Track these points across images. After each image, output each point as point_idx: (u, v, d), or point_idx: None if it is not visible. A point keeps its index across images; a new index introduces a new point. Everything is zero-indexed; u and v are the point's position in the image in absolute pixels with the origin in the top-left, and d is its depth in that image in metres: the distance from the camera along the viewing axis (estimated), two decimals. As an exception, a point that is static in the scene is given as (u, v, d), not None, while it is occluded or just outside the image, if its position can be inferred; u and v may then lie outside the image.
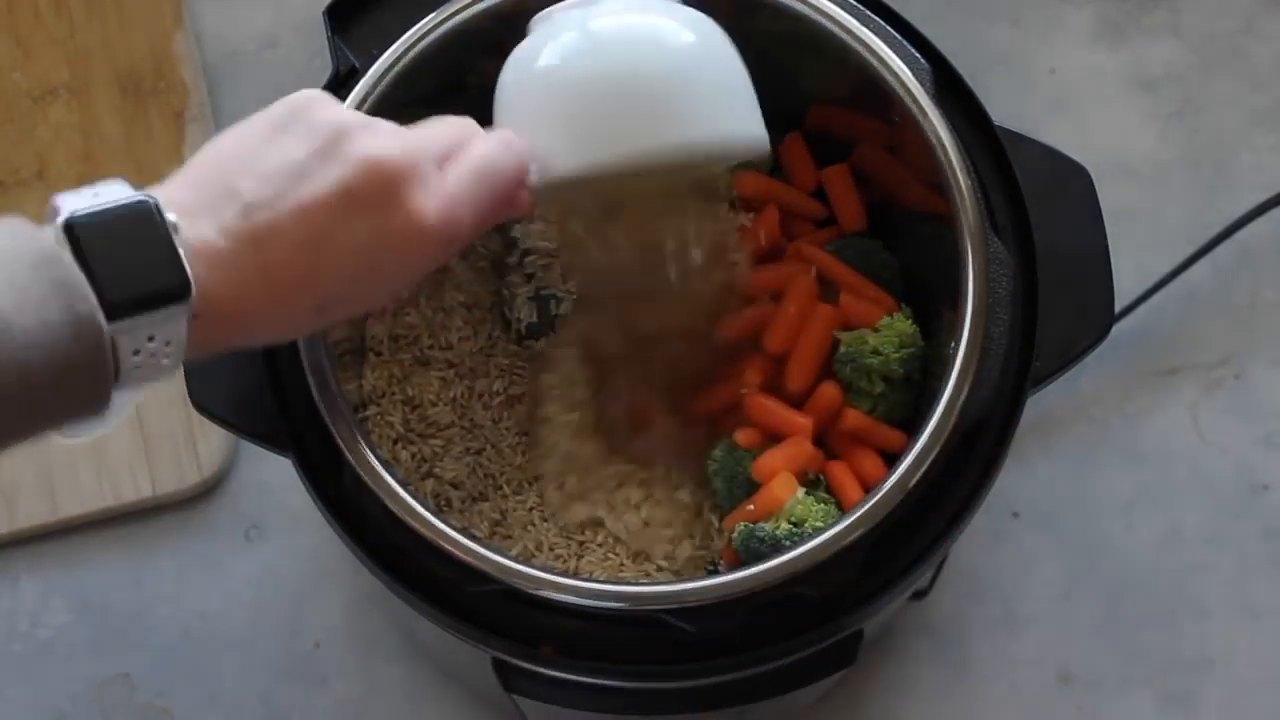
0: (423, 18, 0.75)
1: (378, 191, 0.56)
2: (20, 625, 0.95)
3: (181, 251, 0.53)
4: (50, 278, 0.50)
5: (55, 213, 0.52)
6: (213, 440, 0.96)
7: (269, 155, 0.56)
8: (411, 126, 0.61)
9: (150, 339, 0.53)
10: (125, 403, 0.56)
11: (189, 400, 0.72)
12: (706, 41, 0.69)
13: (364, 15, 0.76)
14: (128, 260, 0.52)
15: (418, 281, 0.60)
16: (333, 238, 0.56)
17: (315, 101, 0.58)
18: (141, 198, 0.53)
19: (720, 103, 0.68)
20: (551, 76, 0.67)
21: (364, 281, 0.58)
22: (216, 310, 0.54)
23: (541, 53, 0.67)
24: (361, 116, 0.59)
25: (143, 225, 0.53)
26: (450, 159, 0.60)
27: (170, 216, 0.53)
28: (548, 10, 0.69)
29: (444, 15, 0.75)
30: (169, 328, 0.53)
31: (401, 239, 0.57)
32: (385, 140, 0.57)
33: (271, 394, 0.72)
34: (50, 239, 0.52)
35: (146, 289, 0.52)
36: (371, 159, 0.56)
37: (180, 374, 0.72)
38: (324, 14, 0.76)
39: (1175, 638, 0.94)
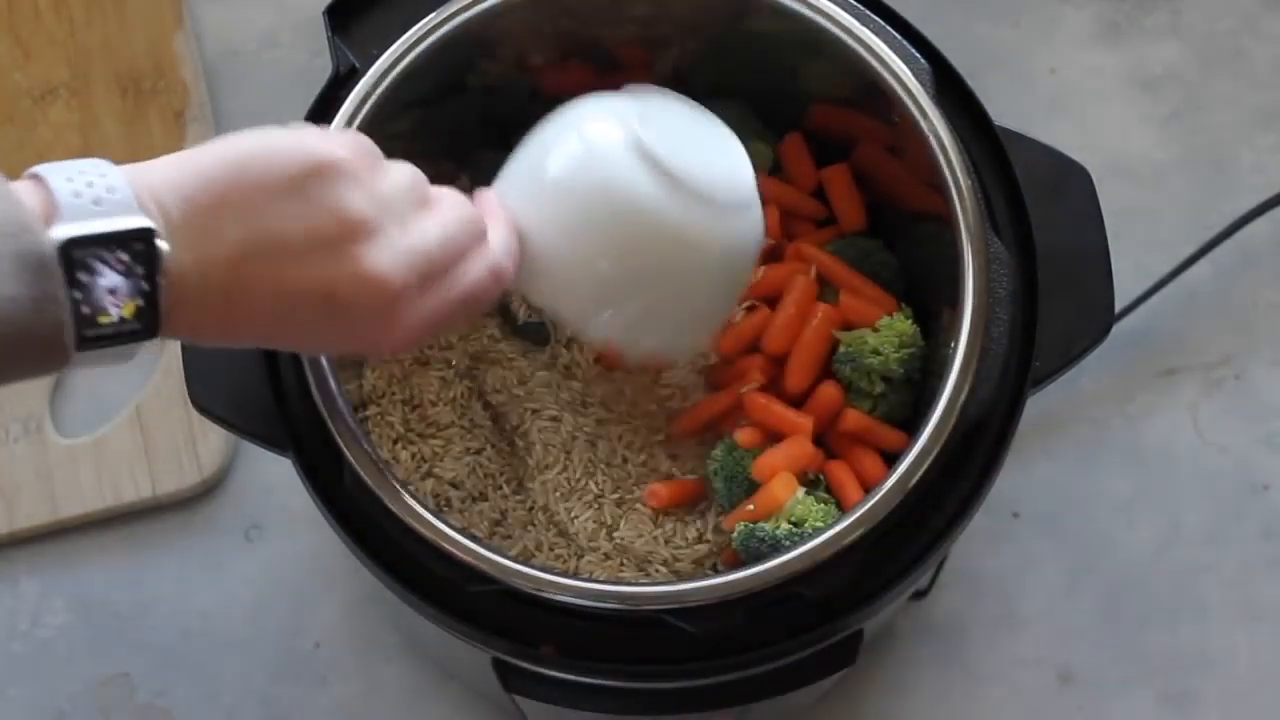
0: (423, 18, 0.75)
1: (358, 307, 0.56)
2: (20, 625, 0.95)
3: (162, 294, 0.52)
4: (15, 250, 0.49)
5: (51, 209, 0.51)
6: (213, 440, 0.96)
7: (271, 213, 0.54)
8: (424, 216, 0.60)
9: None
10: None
11: (189, 400, 0.72)
12: (727, 253, 0.69)
13: (364, 15, 0.76)
14: (107, 298, 0.51)
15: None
16: (296, 319, 0.56)
17: (340, 176, 0.56)
18: (144, 225, 0.51)
19: (696, 326, 0.72)
20: (574, 222, 0.66)
21: (313, 348, 0.61)
22: (175, 325, 0.54)
23: (579, 177, 0.66)
24: (375, 210, 0.57)
25: (136, 263, 0.51)
26: (442, 280, 0.59)
27: (163, 246, 0.52)
28: (607, 104, 0.69)
29: (444, 15, 0.75)
30: (123, 353, 0.53)
31: (361, 345, 0.60)
32: (386, 260, 0.56)
33: (271, 394, 0.72)
34: (45, 244, 0.50)
35: (118, 330, 0.51)
36: (369, 278, 0.56)
37: (180, 374, 0.72)
38: (324, 14, 0.76)
39: (1175, 638, 0.94)
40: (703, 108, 0.72)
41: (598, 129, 0.67)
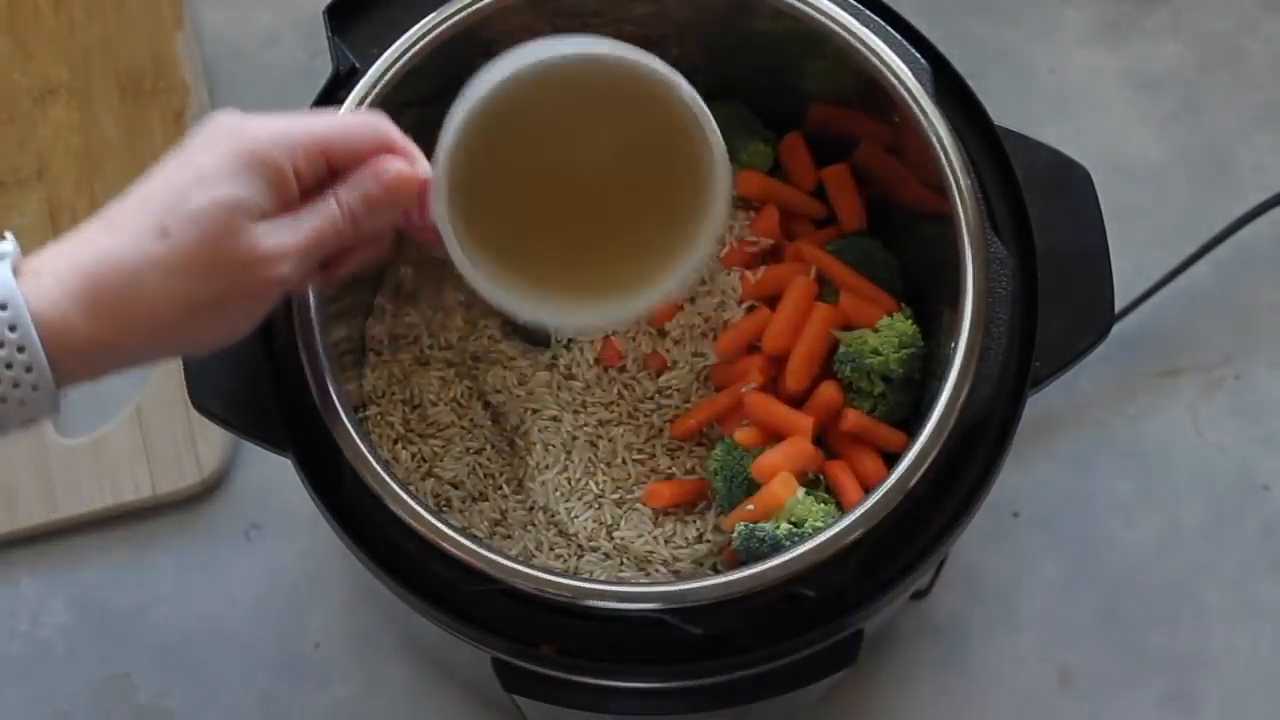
0: (423, 18, 0.75)
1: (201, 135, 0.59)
2: (20, 625, 0.95)
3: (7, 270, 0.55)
4: None
5: None
6: (213, 440, 0.96)
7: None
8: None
9: (7, 367, 0.55)
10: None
11: (189, 400, 0.72)
12: None
13: (364, 15, 0.76)
14: None
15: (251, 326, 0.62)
16: (158, 172, 0.58)
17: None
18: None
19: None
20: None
21: (191, 187, 0.58)
22: (49, 330, 0.56)
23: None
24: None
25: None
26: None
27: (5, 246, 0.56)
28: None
29: (444, 15, 0.75)
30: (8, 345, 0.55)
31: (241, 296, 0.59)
32: (287, 270, 0.59)
33: (271, 394, 0.72)
34: None
35: None
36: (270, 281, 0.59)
37: (180, 374, 0.72)
38: (324, 14, 0.76)
39: (1175, 638, 0.94)
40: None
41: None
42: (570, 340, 0.82)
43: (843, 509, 0.74)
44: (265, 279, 0.59)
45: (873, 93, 0.74)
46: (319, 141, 0.60)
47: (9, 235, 0.58)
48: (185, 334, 0.59)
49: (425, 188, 0.62)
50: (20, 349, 0.55)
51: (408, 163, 0.62)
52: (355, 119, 0.62)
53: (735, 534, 0.73)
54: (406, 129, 0.77)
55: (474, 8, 0.75)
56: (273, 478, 0.97)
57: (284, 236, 0.59)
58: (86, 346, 0.57)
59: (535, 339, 0.82)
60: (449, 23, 0.75)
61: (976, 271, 0.71)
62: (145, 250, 0.57)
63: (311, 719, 0.93)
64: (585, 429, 0.80)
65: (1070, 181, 0.77)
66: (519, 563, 0.68)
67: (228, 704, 0.93)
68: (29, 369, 0.55)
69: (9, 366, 0.55)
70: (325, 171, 0.61)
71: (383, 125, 0.62)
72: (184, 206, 0.57)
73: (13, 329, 0.55)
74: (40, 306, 0.55)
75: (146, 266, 0.57)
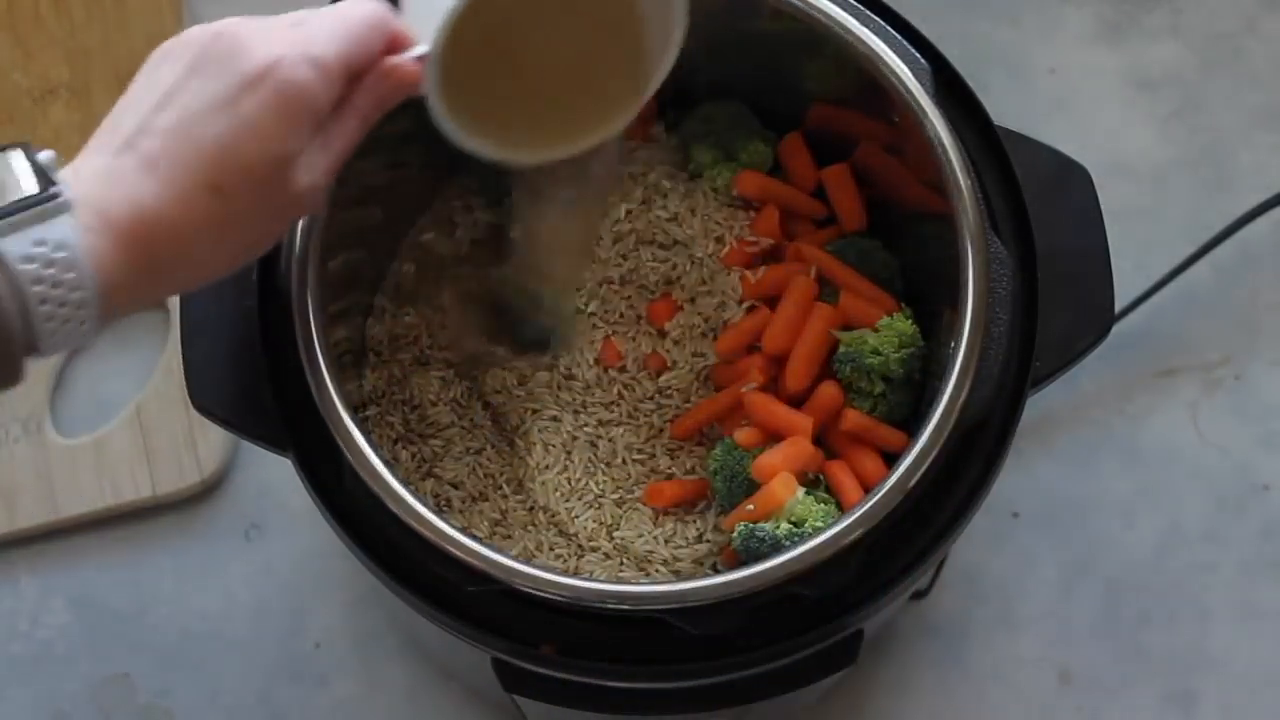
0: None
1: (215, 48, 0.58)
2: (20, 625, 0.95)
3: (53, 171, 0.54)
4: None
5: None
6: (213, 440, 0.96)
7: (145, 90, 0.58)
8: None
9: (50, 265, 0.53)
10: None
11: (189, 400, 0.72)
12: None
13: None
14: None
15: (304, 131, 0.59)
16: (200, 120, 0.57)
17: (193, 36, 0.59)
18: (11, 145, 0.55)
19: None
20: None
21: (243, 142, 0.57)
22: (119, 221, 0.55)
23: None
24: (235, 31, 0.58)
25: (12, 163, 0.55)
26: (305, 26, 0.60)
27: (42, 155, 0.55)
28: None
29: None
30: (64, 258, 0.53)
31: (265, 99, 0.57)
32: (254, 38, 0.58)
33: (271, 394, 0.72)
34: None
35: (17, 205, 0.53)
36: (210, 30, 0.58)
37: (180, 374, 0.72)
38: (324, 14, 0.76)
39: (1175, 638, 0.94)
40: None
41: None
42: (571, 341, 0.82)
43: (843, 509, 0.74)
44: (302, 208, 0.60)
45: (873, 93, 0.74)
46: (349, 64, 0.60)
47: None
48: (225, 270, 0.60)
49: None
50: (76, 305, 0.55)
51: (409, 52, 0.62)
52: (365, 23, 0.61)
53: (735, 534, 0.73)
54: (407, 129, 0.78)
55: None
56: (273, 478, 0.97)
57: (318, 163, 0.59)
58: (124, 299, 0.56)
59: (536, 346, 0.82)
60: (449, 23, 0.75)
61: (976, 271, 0.71)
62: (198, 210, 0.56)
63: (311, 719, 0.93)
64: (585, 429, 0.80)
65: (1070, 181, 0.76)
66: (519, 563, 0.68)
67: (228, 704, 0.93)
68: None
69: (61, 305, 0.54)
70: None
71: (387, 20, 0.62)
72: (237, 162, 0.57)
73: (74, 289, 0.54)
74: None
75: (202, 228, 0.57)
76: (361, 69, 0.60)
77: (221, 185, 0.57)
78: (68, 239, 0.53)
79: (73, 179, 0.55)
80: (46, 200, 0.53)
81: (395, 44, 0.61)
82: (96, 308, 0.54)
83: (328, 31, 0.59)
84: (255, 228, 0.59)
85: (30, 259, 0.53)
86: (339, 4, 0.61)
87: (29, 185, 0.54)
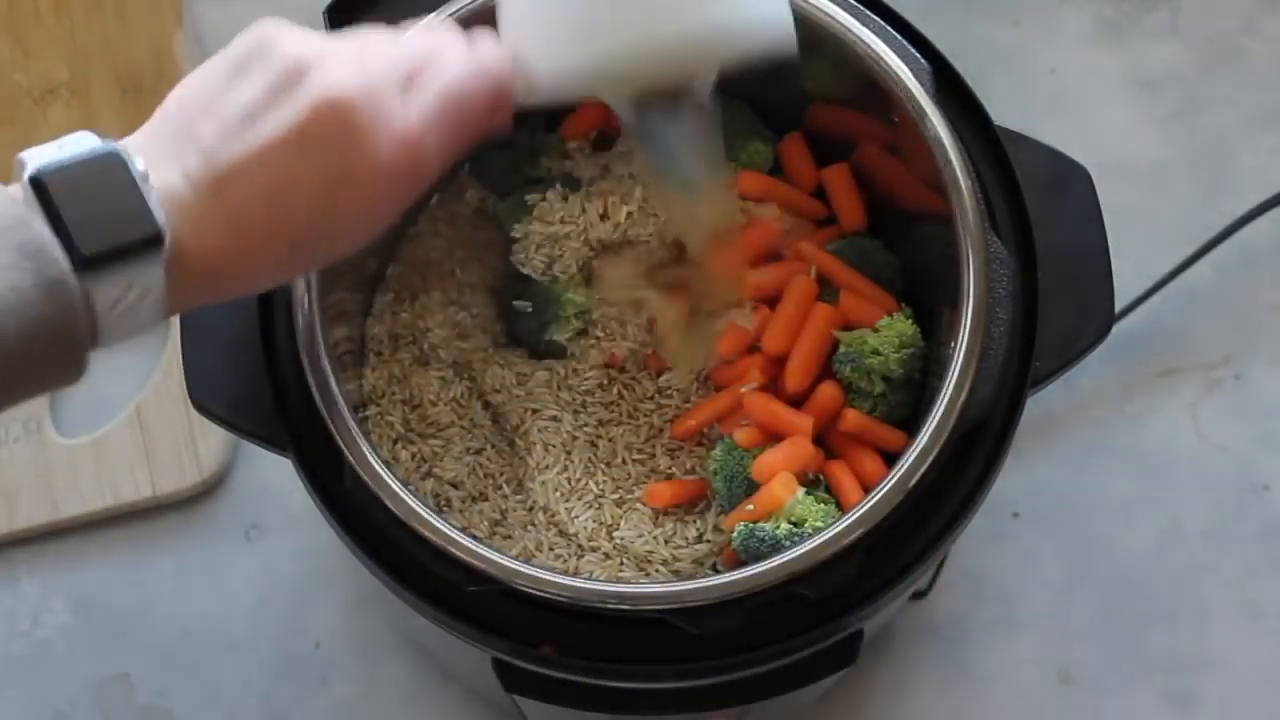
0: (422, 18, 0.75)
1: (333, 129, 0.55)
2: (20, 625, 0.95)
3: (151, 200, 0.52)
4: (17, 242, 0.50)
5: (21, 167, 0.52)
6: (213, 440, 0.96)
7: (228, 98, 0.56)
8: (384, 37, 0.59)
9: (128, 289, 0.53)
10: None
11: (189, 400, 0.72)
12: None
13: (364, 15, 0.76)
14: (98, 211, 0.52)
15: (392, 218, 0.59)
16: (292, 177, 0.55)
17: (272, 35, 0.57)
18: (110, 147, 0.53)
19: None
20: None
21: (328, 219, 0.57)
22: (186, 258, 0.54)
23: None
24: (321, 43, 0.57)
25: (112, 174, 0.52)
26: (416, 81, 0.58)
27: (139, 165, 0.53)
28: None
29: (444, 15, 0.75)
30: (145, 277, 0.53)
31: (361, 176, 0.56)
32: (342, 73, 0.56)
33: (271, 394, 0.72)
34: (18, 197, 0.51)
35: (119, 240, 0.52)
36: (326, 97, 0.55)
37: (180, 374, 0.72)
38: (324, 14, 0.76)
39: (1175, 638, 0.94)
40: None
41: None
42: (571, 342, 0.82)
43: (843, 509, 0.74)
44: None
45: (873, 93, 0.74)
46: (462, 146, 0.60)
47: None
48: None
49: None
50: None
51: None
52: (488, 92, 0.60)
53: (735, 534, 0.73)
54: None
55: (474, 7, 0.75)
56: (273, 478, 0.97)
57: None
58: (179, 310, 0.57)
59: (531, 341, 0.82)
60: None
61: (976, 271, 0.71)
62: (273, 260, 0.57)
63: (311, 719, 0.93)
64: (585, 429, 0.80)
65: (1070, 181, 0.76)
66: (519, 563, 0.68)
67: (228, 704, 0.93)
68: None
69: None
70: None
71: (506, 80, 0.61)
72: (322, 241, 0.58)
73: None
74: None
75: (273, 270, 0.58)
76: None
77: (301, 247, 0.57)
78: (153, 284, 0.53)
79: (157, 204, 0.53)
80: (152, 247, 0.52)
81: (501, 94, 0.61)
82: (160, 317, 0.55)
83: (451, 109, 0.58)
84: (321, 263, 0.61)
85: (114, 302, 0.53)
86: (454, 57, 0.60)
87: (128, 205, 0.52)
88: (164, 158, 0.54)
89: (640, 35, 0.62)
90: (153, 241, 0.52)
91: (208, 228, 0.54)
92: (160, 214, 0.52)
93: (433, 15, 0.65)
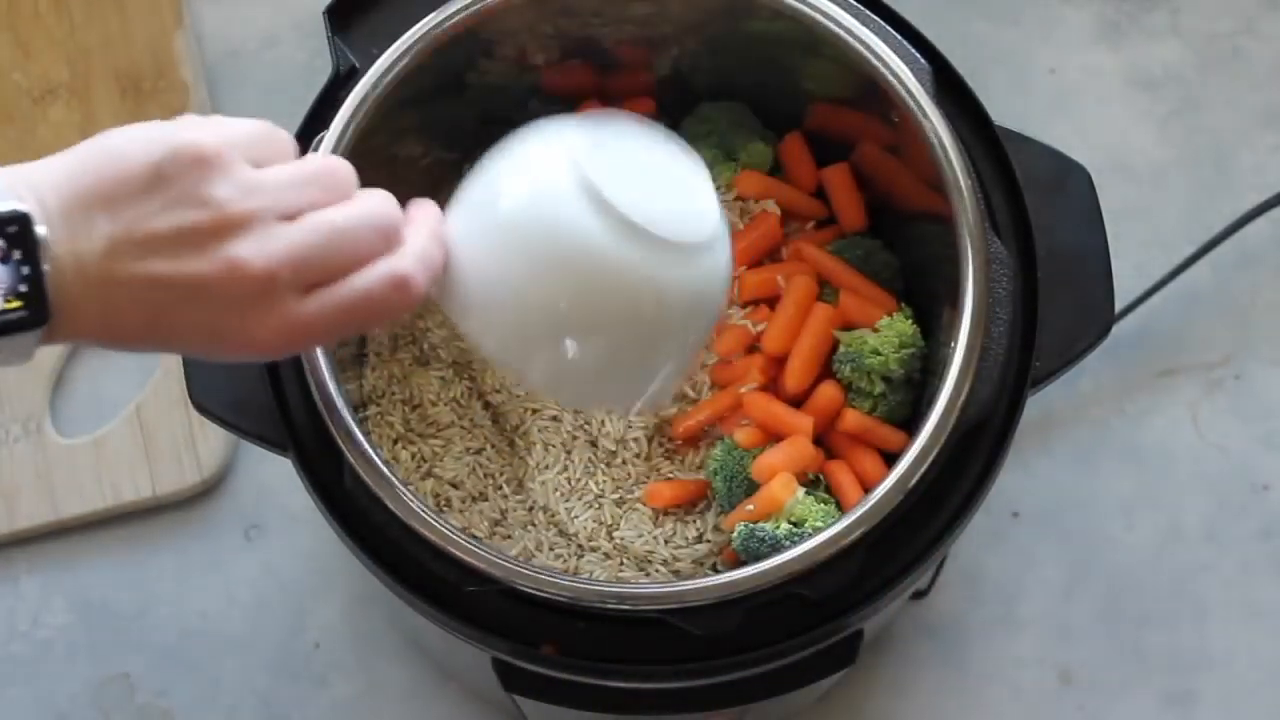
0: (423, 18, 0.75)
1: (227, 300, 0.54)
2: (20, 625, 0.95)
3: (49, 285, 0.52)
4: None
5: None
6: (213, 440, 0.96)
7: (140, 208, 0.53)
8: (319, 217, 0.56)
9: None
10: None
11: (189, 400, 0.72)
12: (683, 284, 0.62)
13: (364, 15, 0.76)
14: None
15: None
16: (176, 315, 0.54)
17: (207, 165, 0.54)
18: (18, 210, 0.51)
19: (652, 379, 0.65)
20: (518, 260, 0.61)
21: (201, 353, 0.57)
22: (58, 329, 0.53)
23: (525, 213, 0.61)
24: (248, 201, 0.54)
25: (14, 248, 0.51)
26: (326, 284, 0.56)
27: (40, 231, 0.52)
28: (559, 126, 0.63)
29: (444, 15, 0.75)
30: (18, 344, 0.52)
31: (235, 344, 0.56)
32: (257, 252, 0.54)
33: (271, 394, 0.72)
34: None
35: (4, 320, 0.51)
36: (234, 271, 0.54)
37: (180, 374, 0.72)
38: (324, 14, 0.76)
39: (1175, 638, 0.94)
40: (669, 134, 0.67)
41: (546, 163, 0.62)
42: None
43: (843, 509, 0.74)
44: None
45: (873, 93, 0.74)
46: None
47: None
48: None
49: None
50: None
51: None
52: (380, 284, 0.57)
53: (735, 534, 0.73)
54: (407, 129, 0.78)
55: (474, 8, 0.75)
56: (273, 478, 0.97)
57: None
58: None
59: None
60: (449, 23, 0.75)
61: (976, 271, 0.71)
62: (150, 348, 0.57)
63: (311, 719, 0.93)
64: (585, 428, 0.80)
65: (1070, 181, 0.77)
66: (519, 563, 0.68)
67: (228, 704, 0.93)
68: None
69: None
70: None
71: (413, 285, 0.59)
72: (200, 353, 0.57)
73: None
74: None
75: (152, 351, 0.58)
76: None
77: (171, 348, 0.57)
78: (24, 348, 0.53)
79: (55, 272, 0.52)
80: (37, 324, 0.52)
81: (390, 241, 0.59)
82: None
83: (354, 317, 0.57)
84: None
85: None
86: (361, 203, 0.58)
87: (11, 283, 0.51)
88: (63, 226, 0.53)
89: (534, 383, 0.64)
90: (36, 324, 0.52)
91: (81, 315, 0.53)
92: (50, 297, 0.52)
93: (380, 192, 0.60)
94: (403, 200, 0.61)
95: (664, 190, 0.63)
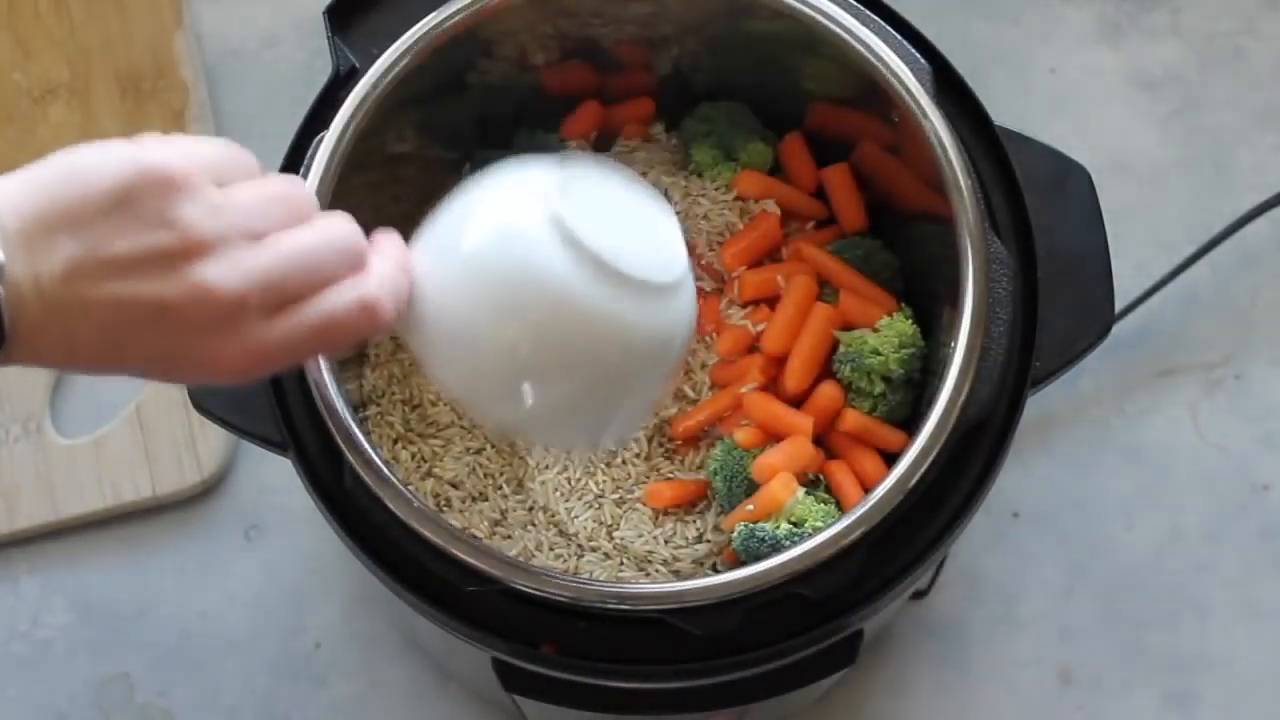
0: (423, 18, 0.75)
1: (190, 322, 0.53)
2: (20, 625, 0.95)
3: (5, 312, 0.51)
4: None
5: None
6: (213, 440, 0.96)
7: (103, 230, 0.52)
8: (285, 239, 0.55)
9: None
10: None
11: (189, 400, 0.72)
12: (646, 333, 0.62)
13: (364, 15, 0.76)
14: None
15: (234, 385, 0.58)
16: (136, 336, 0.53)
17: (171, 187, 0.53)
18: None
19: (617, 418, 0.65)
20: (483, 299, 0.60)
21: (162, 374, 0.56)
22: (15, 350, 0.52)
23: (491, 253, 0.60)
24: (216, 223, 0.54)
25: None
26: (292, 306, 0.55)
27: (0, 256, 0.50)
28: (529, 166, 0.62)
29: (444, 15, 0.75)
30: None
31: (197, 365, 0.55)
32: (223, 277, 0.53)
33: (271, 394, 0.72)
34: None
35: None
36: (201, 291, 0.53)
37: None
38: (324, 14, 0.76)
39: (1175, 638, 0.94)
40: (635, 176, 0.66)
41: (514, 201, 0.61)
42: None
43: (843, 509, 0.74)
44: None
45: (873, 93, 0.74)
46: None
47: None
48: None
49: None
50: None
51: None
52: (346, 307, 0.57)
53: (735, 534, 0.73)
54: (407, 129, 0.78)
55: (474, 8, 0.75)
56: (273, 478, 0.97)
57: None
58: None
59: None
60: (449, 23, 0.75)
61: (976, 271, 0.71)
62: (106, 370, 0.55)
63: (311, 719, 0.93)
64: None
65: (1070, 181, 0.77)
66: (519, 563, 0.68)
67: (228, 704, 0.93)
68: None
69: None
70: None
71: (362, 258, 0.58)
72: (157, 375, 0.56)
73: None
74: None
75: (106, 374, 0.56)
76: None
77: (130, 372, 0.55)
78: None
79: (12, 295, 0.51)
80: None
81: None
82: None
83: (318, 340, 0.56)
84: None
85: None
86: (352, 284, 0.57)
87: None
88: (22, 248, 0.52)
89: (503, 426, 0.63)
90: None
91: (41, 337, 0.52)
92: (6, 311, 0.51)
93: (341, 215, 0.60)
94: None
95: (633, 230, 0.62)
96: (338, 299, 0.56)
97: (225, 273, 0.53)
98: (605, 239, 0.59)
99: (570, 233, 0.59)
